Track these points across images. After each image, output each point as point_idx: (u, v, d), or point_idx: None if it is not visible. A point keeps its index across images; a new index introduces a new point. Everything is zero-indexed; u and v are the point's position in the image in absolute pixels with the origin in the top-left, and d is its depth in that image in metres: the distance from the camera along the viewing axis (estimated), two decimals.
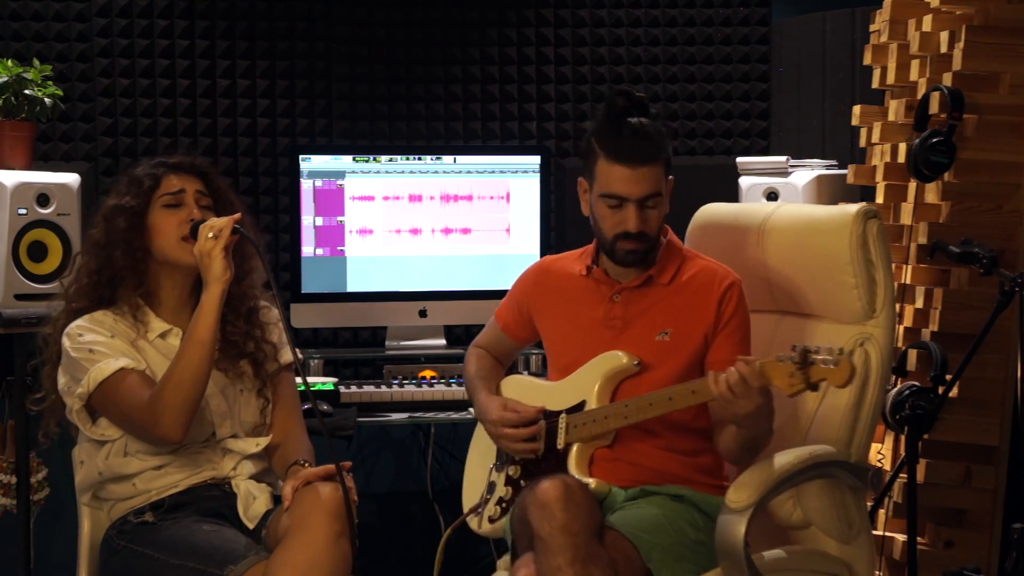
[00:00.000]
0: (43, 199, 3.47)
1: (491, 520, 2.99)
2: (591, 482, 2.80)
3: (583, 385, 2.89)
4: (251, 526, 2.81)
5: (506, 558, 2.97)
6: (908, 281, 3.64)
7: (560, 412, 2.91)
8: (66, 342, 2.84)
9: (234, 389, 2.93)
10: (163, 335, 2.91)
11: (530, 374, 3.78)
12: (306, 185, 3.98)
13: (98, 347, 2.81)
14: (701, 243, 3.14)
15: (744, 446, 2.78)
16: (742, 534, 2.60)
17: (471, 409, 3.12)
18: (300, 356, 2.96)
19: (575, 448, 2.87)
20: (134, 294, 2.90)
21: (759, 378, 2.59)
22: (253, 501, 2.83)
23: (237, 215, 2.84)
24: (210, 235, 2.79)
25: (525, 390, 3.05)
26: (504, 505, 2.96)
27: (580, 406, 2.88)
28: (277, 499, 2.85)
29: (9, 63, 3.61)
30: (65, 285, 2.97)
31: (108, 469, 2.86)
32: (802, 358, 2.53)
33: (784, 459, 2.73)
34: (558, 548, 2.54)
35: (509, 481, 2.97)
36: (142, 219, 2.89)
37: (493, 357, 3.18)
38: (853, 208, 2.95)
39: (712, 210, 3.25)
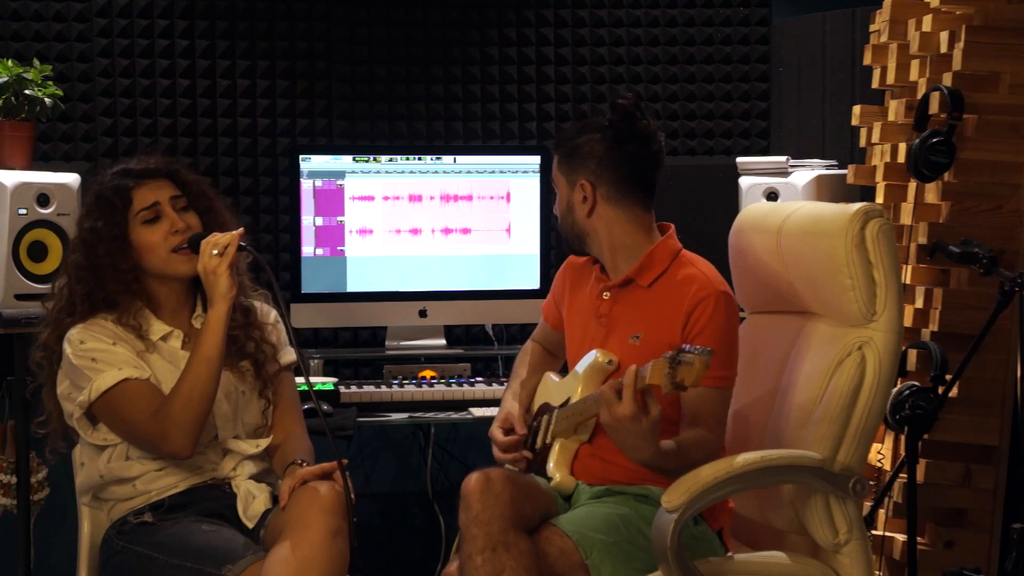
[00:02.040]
0: (43, 199, 3.47)
1: None
2: (556, 477, 2.86)
3: (572, 383, 2.93)
4: (250, 525, 2.81)
5: None
6: (908, 281, 3.64)
7: (554, 408, 2.96)
8: (67, 348, 2.82)
9: (237, 391, 2.93)
10: (164, 338, 2.90)
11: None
12: (306, 185, 3.98)
13: (100, 355, 2.80)
14: (740, 246, 3.11)
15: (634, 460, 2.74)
16: (671, 535, 2.59)
17: (471, 409, 3.13)
18: (300, 355, 2.95)
19: (557, 444, 2.91)
20: (133, 302, 2.89)
21: (629, 389, 2.57)
22: (252, 500, 2.83)
23: (241, 230, 2.83)
24: (214, 252, 2.78)
25: (546, 386, 3.10)
26: None
27: (566, 403, 2.93)
28: (276, 499, 2.85)
29: (9, 63, 3.61)
30: (49, 308, 2.93)
31: (109, 472, 2.85)
32: (674, 356, 2.50)
33: (726, 463, 2.69)
34: (470, 537, 2.61)
35: None
36: (124, 241, 2.86)
37: (545, 350, 3.21)
38: (853, 207, 2.88)
39: (750, 211, 3.20)
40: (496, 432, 3.03)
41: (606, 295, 2.94)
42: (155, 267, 2.88)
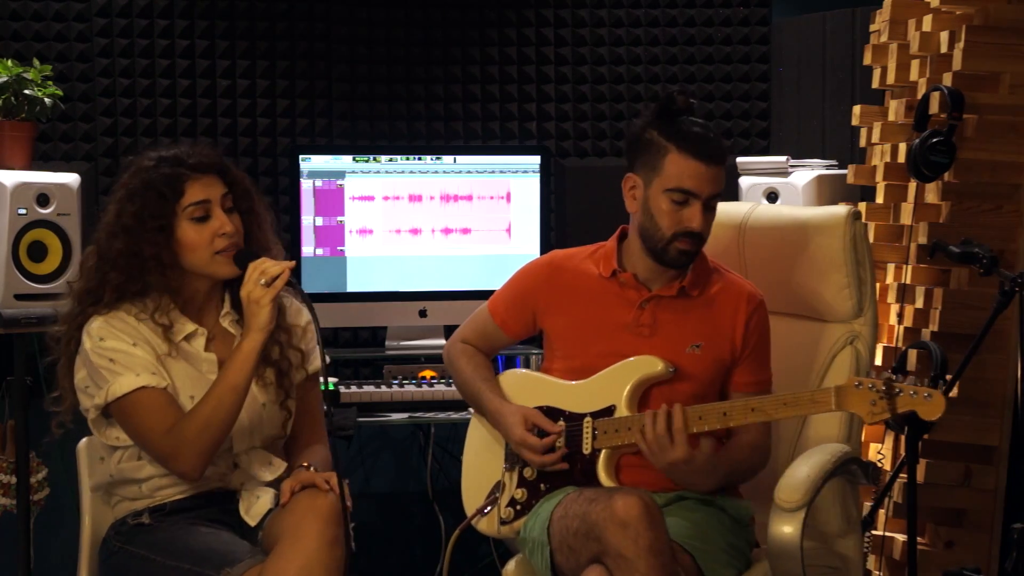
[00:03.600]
0: (43, 199, 3.47)
1: (504, 522, 2.92)
2: None
3: (611, 389, 2.84)
4: (253, 523, 2.76)
5: (514, 563, 2.93)
6: (908, 281, 3.64)
7: (584, 415, 2.86)
8: (86, 342, 2.72)
9: (257, 403, 2.80)
10: (188, 338, 2.79)
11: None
12: (306, 185, 3.98)
13: (120, 357, 2.70)
14: None
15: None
16: (797, 533, 2.62)
17: (471, 409, 3.10)
18: (327, 360, 2.81)
19: (604, 454, 2.82)
20: (162, 296, 2.76)
21: (680, 433, 2.64)
22: (256, 501, 2.80)
23: (291, 263, 2.70)
24: (262, 282, 2.66)
25: (533, 388, 2.98)
26: (518, 507, 2.91)
27: (608, 411, 2.84)
28: (279, 500, 2.82)
29: (9, 63, 3.61)
30: (76, 289, 2.81)
31: (119, 473, 2.79)
32: (887, 388, 2.52)
33: (821, 457, 2.77)
34: (647, 569, 2.50)
35: (524, 483, 2.92)
36: (170, 233, 2.73)
37: (481, 353, 3.11)
38: (843, 210, 3.01)
39: None
40: (529, 437, 2.86)
41: (645, 305, 2.88)
42: (195, 265, 2.76)
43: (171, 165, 2.75)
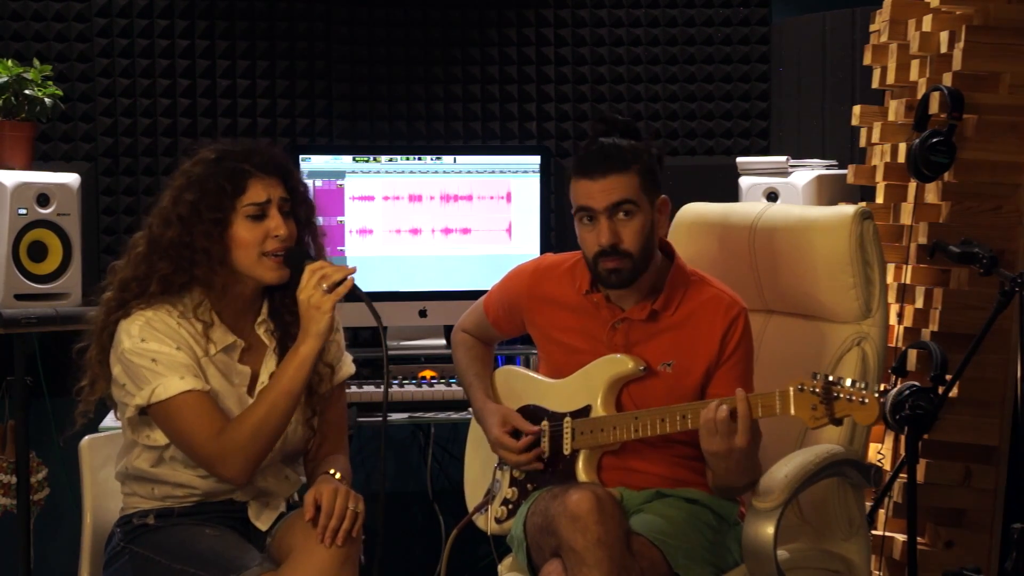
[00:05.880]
0: (43, 199, 3.48)
1: (497, 521, 2.96)
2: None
3: (587, 389, 2.86)
4: (264, 528, 2.75)
5: (508, 561, 2.96)
6: (908, 281, 3.64)
7: (565, 415, 2.88)
8: (125, 341, 2.64)
9: None
10: (226, 350, 2.73)
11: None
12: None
13: (162, 358, 2.63)
14: (686, 242, 3.13)
15: (716, 485, 2.77)
16: (772, 535, 2.61)
17: (471, 409, 3.11)
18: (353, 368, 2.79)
19: (583, 454, 2.84)
20: (205, 297, 2.71)
21: (746, 419, 2.57)
22: (266, 506, 2.78)
23: (353, 268, 2.66)
24: (324, 287, 2.62)
25: (521, 385, 3.01)
26: (510, 506, 2.94)
27: (585, 411, 2.85)
28: (290, 506, 2.80)
29: (9, 63, 3.62)
30: (120, 277, 2.72)
31: (135, 469, 2.76)
32: (825, 392, 2.49)
33: (804, 458, 2.75)
34: (594, 562, 2.53)
35: (514, 482, 2.96)
36: (224, 228, 2.66)
37: (482, 343, 3.16)
38: (850, 209, 2.98)
39: (697, 209, 3.24)
40: (504, 437, 2.92)
41: (618, 326, 2.87)
42: (242, 264, 2.68)
43: (236, 161, 2.69)
